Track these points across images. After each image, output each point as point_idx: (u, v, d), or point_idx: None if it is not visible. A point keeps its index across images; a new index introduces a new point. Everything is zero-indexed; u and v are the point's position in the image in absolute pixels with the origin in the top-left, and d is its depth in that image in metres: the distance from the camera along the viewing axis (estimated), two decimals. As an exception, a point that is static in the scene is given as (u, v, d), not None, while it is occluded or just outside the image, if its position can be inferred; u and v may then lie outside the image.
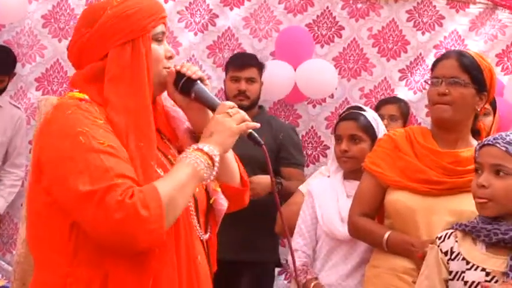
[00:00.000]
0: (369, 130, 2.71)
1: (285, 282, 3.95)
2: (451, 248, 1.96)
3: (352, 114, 2.77)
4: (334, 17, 4.04)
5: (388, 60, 4.04)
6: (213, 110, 1.60)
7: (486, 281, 1.89)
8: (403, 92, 4.01)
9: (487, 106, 2.71)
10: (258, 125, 1.59)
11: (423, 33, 4.03)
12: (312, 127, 4.07)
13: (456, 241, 1.96)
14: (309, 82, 3.85)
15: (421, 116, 3.99)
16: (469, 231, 1.95)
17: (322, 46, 4.04)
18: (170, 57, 1.60)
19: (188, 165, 1.47)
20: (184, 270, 1.49)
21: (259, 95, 3.58)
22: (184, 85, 1.59)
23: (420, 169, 2.32)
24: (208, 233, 1.62)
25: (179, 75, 1.59)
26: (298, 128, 4.01)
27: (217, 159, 1.50)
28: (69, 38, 3.88)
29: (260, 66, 3.60)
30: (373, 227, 2.40)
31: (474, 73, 2.30)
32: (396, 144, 2.39)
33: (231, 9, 4.04)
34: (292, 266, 2.84)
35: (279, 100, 4.02)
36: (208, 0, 4.03)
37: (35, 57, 3.98)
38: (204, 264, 1.57)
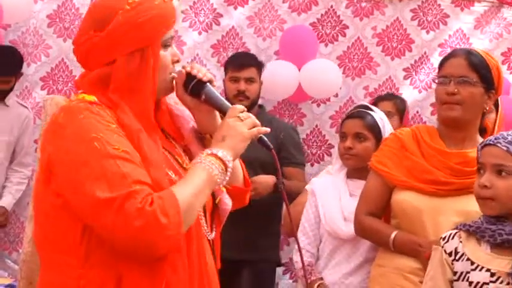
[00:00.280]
0: (375, 129, 2.71)
1: (290, 281, 3.95)
2: (456, 249, 1.96)
3: (359, 112, 2.77)
4: (339, 16, 4.04)
5: (392, 59, 4.03)
6: (223, 112, 1.60)
7: (491, 281, 1.89)
8: (407, 91, 4.01)
9: (490, 103, 2.71)
10: (268, 129, 1.60)
11: (428, 32, 4.02)
12: (317, 126, 4.07)
13: (460, 241, 1.96)
14: (313, 82, 3.85)
15: (426, 115, 3.99)
16: (474, 231, 1.95)
17: (326, 45, 4.04)
18: (177, 62, 1.59)
19: (203, 170, 1.48)
20: (196, 271, 1.51)
21: (259, 95, 3.59)
22: (194, 87, 1.59)
23: (427, 169, 2.32)
24: (214, 232, 1.63)
25: (189, 76, 1.59)
26: (302, 127, 4.02)
27: (230, 164, 1.51)
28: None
29: (259, 66, 3.61)
30: (379, 226, 2.40)
31: (483, 72, 2.30)
32: (403, 144, 2.39)
33: (235, 8, 4.04)
34: (297, 265, 2.85)
35: (283, 99, 4.02)
36: (212, -1, 4.04)
37: (40, 56, 4.00)
38: (211, 263, 1.58)
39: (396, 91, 3.98)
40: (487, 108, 2.35)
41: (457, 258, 1.95)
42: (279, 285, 3.88)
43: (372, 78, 4.04)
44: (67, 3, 3.99)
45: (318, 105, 4.06)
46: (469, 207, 2.20)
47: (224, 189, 1.64)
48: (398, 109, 3.60)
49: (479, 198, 1.97)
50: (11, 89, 3.86)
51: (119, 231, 1.37)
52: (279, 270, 3.80)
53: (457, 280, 1.94)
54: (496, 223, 1.93)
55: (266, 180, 3.21)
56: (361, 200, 2.46)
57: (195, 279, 1.50)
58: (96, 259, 1.44)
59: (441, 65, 2.38)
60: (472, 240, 1.96)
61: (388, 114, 3.52)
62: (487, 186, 1.92)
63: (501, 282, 1.88)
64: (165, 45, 1.55)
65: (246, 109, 1.60)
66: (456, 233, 1.99)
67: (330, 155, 4.01)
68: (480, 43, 3.96)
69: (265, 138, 1.60)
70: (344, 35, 4.04)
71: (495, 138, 1.95)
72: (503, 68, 3.86)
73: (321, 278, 2.68)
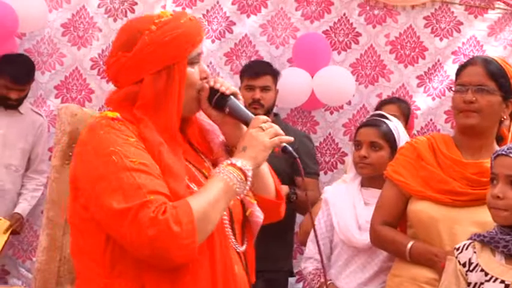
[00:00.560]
0: (390, 138, 2.70)
1: (303, 289, 3.95)
2: (469, 259, 1.95)
3: (374, 121, 2.77)
4: (351, 24, 4.04)
5: (405, 66, 4.03)
6: (247, 124, 1.61)
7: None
8: (421, 99, 4.00)
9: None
10: (291, 138, 1.61)
11: (441, 39, 4.02)
12: (330, 134, 4.07)
13: (474, 252, 1.96)
14: (326, 89, 3.85)
15: (440, 123, 3.98)
16: (488, 242, 1.94)
17: (339, 53, 4.04)
18: (205, 78, 1.61)
19: (221, 180, 1.50)
20: (221, 282, 1.52)
21: (274, 103, 3.59)
22: (218, 101, 1.61)
23: (444, 180, 2.30)
24: (245, 245, 1.65)
25: (212, 91, 1.61)
26: (315, 134, 4.02)
27: (250, 173, 1.52)
28: (88, 46, 3.99)
29: (275, 74, 3.61)
30: (395, 236, 2.39)
31: (501, 80, 2.28)
32: (419, 153, 2.37)
33: (248, 16, 4.05)
34: (305, 271, 2.85)
35: (296, 107, 4.02)
36: (225, 7, 4.04)
37: (54, 65, 4.02)
38: (241, 275, 1.61)
39: (410, 99, 3.98)
40: (504, 117, 2.34)
41: (471, 269, 1.94)
42: (291, 294, 3.87)
43: (385, 86, 4.04)
44: (81, 12, 4.01)
45: (331, 112, 4.06)
46: (486, 217, 2.17)
47: (255, 202, 1.65)
48: (403, 113, 3.58)
49: (491, 208, 1.95)
50: (25, 97, 3.89)
51: (134, 240, 1.41)
52: (292, 279, 3.79)
53: (472, 291, 1.94)
54: (511, 233, 1.92)
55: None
56: (376, 210, 2.45)
57: None
58: (120, 269, 1.48)
59: (458, 73, 2.36)
60: (487, 250, 1.95)
61: (393, 118, 3.51)
62: (500, 197, 1.92)
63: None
64: (192, 63, 1.58)
65: (269, 119, 1.61)
66: (470, 243, 1.98)
67: (343, 162, 4.00)
68: (494, 50, 3.95)
69: (290, 148, 1.61)
70: (357, 43, 4.04)
71: (508, 149, 1.95)
72: (518, 75, 3.85)
73: (331, 279, 2.68)
